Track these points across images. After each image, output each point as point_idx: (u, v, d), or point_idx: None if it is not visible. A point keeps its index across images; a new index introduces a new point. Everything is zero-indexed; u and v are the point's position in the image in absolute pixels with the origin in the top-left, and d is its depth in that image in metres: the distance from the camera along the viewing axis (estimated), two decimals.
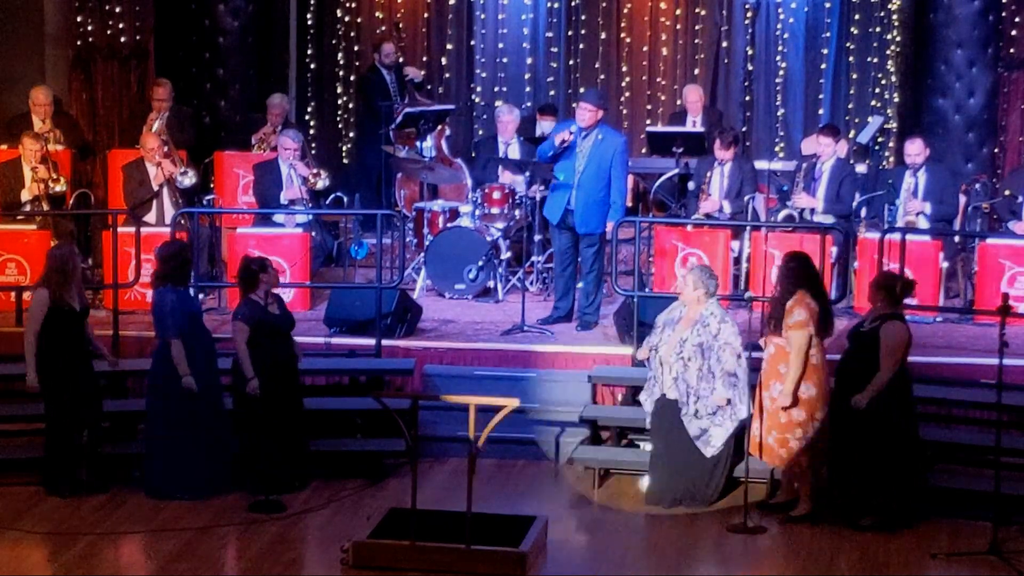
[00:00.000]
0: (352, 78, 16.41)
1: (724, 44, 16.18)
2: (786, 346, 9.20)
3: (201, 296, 11.52)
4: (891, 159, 15.31)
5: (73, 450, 9.60)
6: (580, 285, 11.88)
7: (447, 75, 16.56)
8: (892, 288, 9.22)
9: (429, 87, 16.14)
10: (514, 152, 13.76)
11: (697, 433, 9.42)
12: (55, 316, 9.53)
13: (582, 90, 14.61)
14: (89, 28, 14.87)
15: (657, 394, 9.56)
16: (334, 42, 16.51)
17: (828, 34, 16.03)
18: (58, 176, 12.78)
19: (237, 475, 9.60)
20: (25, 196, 12.66)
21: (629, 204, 13.92)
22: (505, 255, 12.80)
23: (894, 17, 15.61)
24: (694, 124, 14.47)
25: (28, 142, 12.77)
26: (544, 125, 14.70)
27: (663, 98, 16.33)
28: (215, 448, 9.58)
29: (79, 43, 14.88)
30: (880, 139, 15.37)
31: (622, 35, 16.42)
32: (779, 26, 16.10)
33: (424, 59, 16.43)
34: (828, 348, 9.48)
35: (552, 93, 16.37)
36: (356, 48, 16.50)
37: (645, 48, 16.40)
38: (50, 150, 13.01)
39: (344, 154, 16.53)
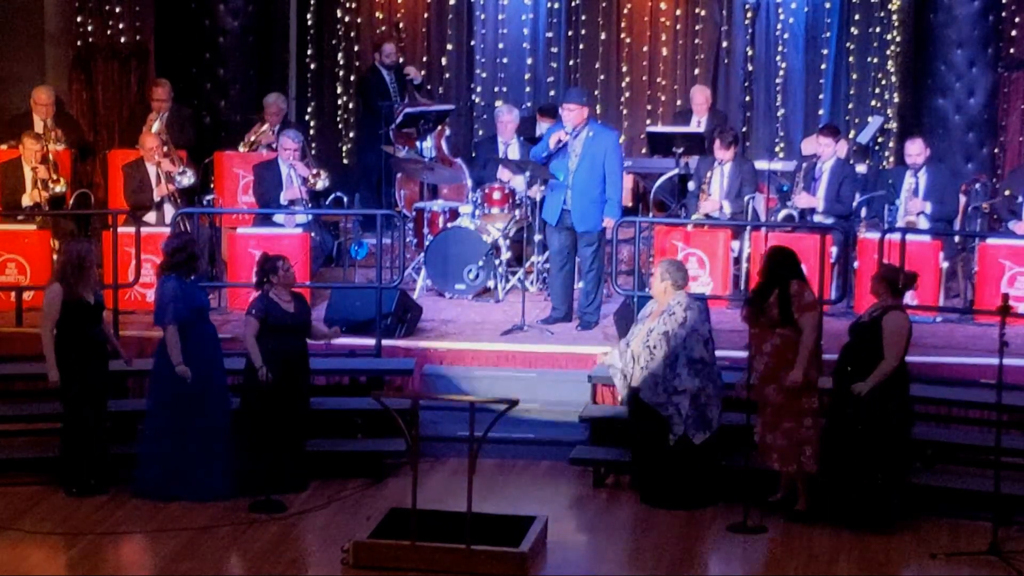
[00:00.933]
0: (352, 78, 16.39)
1: (724, 44, 16.16)
2: (796, 331, 9.21)
3: None
4: (891, 159, 15.29)
5: (81, 447, 9.59)
6: (580, 285, 11.88)
7: (447, 75, 16.54)
8: (895, 281, 9.23)
9: (429, 87, 16.13)
10: (514, 152, 13.75)
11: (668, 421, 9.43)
12: (69, 311, 9.50)
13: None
14: (89, 28, 14.88)
15: (628, 388, 9.58)
16: (334, 42, 16.49)
17: (828, 34, 16.01)
18: (58, 176, 12.77)
19: (237, 476, 9.57)
20: (26, 202, 12.65)
21: (629, 204, 13.94)
22: (505, 255, 12.80)
23: (894, 17, 15.59)
24: (699, 124, 14.45)
25: (29, 142, 12.78)
26: (544, 125, 14.66)
27: (663, 98, 16.32)
28: (214, 451, 9.53)
29: (79, 43, 14.89)
30: (880, 139, 15.36)
31: (622, 35, 16.40)
32: (779, 26, 16.07)
33: (424, 59, 16.42)
34: (827, 348, 9.48)
35: (552, 93, 16.34)
36: (356, 48, 16.48)
37: (645, 48, 16.38)
38: (50, 150, 13.01)
39: (344, 154, 16.52)
